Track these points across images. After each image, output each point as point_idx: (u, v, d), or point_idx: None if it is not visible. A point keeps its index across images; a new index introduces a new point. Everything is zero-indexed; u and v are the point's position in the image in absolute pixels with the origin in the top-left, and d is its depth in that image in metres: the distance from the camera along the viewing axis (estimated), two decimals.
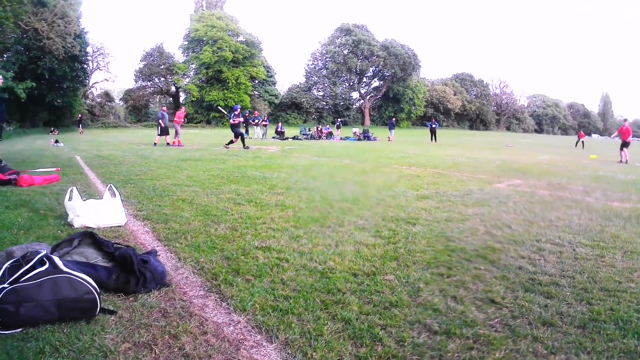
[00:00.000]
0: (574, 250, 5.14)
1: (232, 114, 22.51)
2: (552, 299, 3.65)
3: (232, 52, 74.13)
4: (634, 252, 5.17)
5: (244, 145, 22.15)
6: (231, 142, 22.30)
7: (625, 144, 22.64)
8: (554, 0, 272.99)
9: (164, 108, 27.03)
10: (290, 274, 4.02)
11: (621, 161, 21.97)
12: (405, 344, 2.87)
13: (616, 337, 3.03)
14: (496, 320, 3.25)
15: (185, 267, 4.19)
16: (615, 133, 24.88)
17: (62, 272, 3.10)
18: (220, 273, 3.98)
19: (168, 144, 23.83)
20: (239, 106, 24.26)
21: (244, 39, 78.71)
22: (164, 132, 24.27)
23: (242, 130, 23.19)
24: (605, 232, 6.07)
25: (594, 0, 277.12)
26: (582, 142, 42.27)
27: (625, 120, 24.66)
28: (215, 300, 3.49)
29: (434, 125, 41.48)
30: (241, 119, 23.36)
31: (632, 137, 24.11)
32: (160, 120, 24.62)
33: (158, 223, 5.86)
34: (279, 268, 4.16)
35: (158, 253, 4.42)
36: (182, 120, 25.91)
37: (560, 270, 4.36)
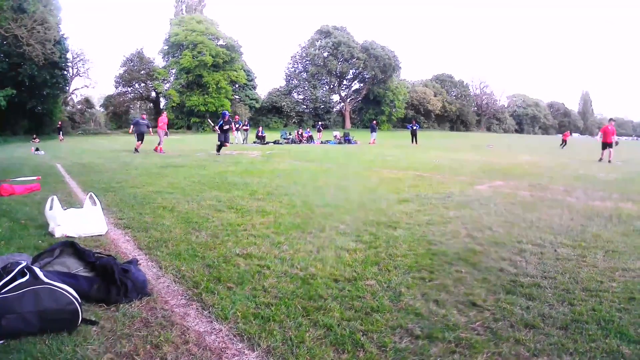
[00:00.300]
0: (555, 250, 5.19)
1: (221, 121, 22.19)
2: (533, 300, 3.68)
3: (212, 57, 73.70)
4: (616, 251, 5.23)
5: (217, 151, 22.08)
6: (220, 146, 22.28)
7: (606, 145, 22.20)
8: (532, 1, 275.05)
9: (144, 116, 26.79)
10: (271, 280, 4.02)
11: (601, 159, 21.81)
12: (387, 349, 2.88)
13: (598, 337, 3.06)
14: (478, 323, 3.27)
15: (167, 275, 4.18)
16: (599, 134, 24.08)
17: (43, 283, 3.09)
18: (201, 281, 3.97)
19: (136, 150, 23.34)
20: (227, 113, 24.11)
21: (224, 43, 78.34)
22: (139, 137, 23.89)
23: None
24: (587, 232, 6.13)
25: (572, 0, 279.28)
26: (565, 141, 42.71)
27: (610, 120, 24.22)
28: (197, 308, 3.48)
29: (414, 127, 41.60)
30: (231, 126, 23.21)
31: (617, 135, 23.75)
32: (132, 126, 24.52)
33: (139, 231, 5.84)
34: (260, 275, 4.15)
35: (139, 262, 4.40)
36: (165, 126, 25.43)
37: (541, 272, 4.40)
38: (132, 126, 24.64)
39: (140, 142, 23.71)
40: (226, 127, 22.26)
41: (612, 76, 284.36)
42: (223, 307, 3.45)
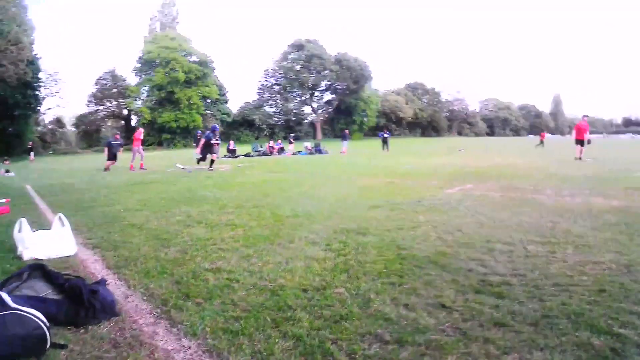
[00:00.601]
0: (524, 248, 5.24)
1: (210, 134, 21.65)
2: (503, 298, 3.70)
3: (185, 73, 73.69)
4: (586, 245, 5.31)
5: (198, 162, 21.88)
6: (212, 161, 21.65)
7: (579, 142, 22.32)
8: (503, 4, 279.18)
9: (117, 135, 26.35)
10: (240, 294, 3.98)
11: (578, 157, 21.71)
12: (357, 356, 2.87)
13: (569, 331, 3.08)
14: (447, 324, 3.27)
15: (135, 294, 4.12)
16: (573, 131, 24.11)
17: (10, 308, 3.04)
18: (170, 298, 3.92)
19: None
20: (217, 126, 23.95)
21: (197, 59, 78.32)
22: (111, 156, 23.26)
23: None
24: (557, 228, 6.21)
25: (542, 2, 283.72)
26: (542, 142, 43.40)
27: (584, 116, 24.11)
28: (166, 326, 3.43)
29: (385, 135, 41.98)
30: (213, 141, 22.43)
31: (590, 133, 23.46)
32: (105, 148, 23.99)
33: (108, 251, 5.75)
34: (229, 289, 4.12)
35: (108, 282, 4.32)
36: (140, 142, 24.75)
37: (511, 270, 4.43)
38: (105, 149, 24.01)
39: (112, 161, 23.15)
40: (213, 140, 21.70)
41: (583, 76, 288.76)
42: (192, 323, 3.41)
